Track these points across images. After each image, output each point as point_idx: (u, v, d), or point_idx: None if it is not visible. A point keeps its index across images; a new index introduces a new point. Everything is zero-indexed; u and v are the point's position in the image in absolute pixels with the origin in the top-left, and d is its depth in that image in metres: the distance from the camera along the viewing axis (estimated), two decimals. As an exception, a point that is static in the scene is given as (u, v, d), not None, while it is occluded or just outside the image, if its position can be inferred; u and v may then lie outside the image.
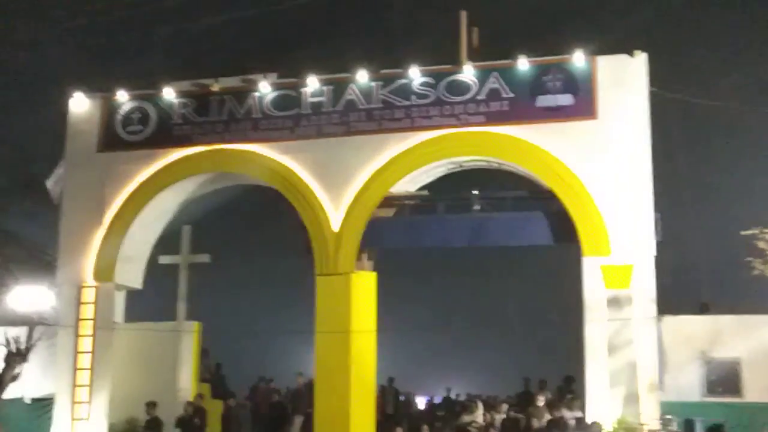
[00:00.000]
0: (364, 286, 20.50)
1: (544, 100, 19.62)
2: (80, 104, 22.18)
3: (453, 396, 25.71)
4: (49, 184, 22.34)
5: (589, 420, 16.81)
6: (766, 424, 16.12)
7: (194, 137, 21.50)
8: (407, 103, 20.42)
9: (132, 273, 22.17)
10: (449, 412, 22.28)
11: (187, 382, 21.37)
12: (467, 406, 21.67)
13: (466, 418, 19.43)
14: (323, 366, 20.06)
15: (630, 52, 19.32)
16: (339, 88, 20.87)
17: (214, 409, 20.98)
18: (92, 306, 21.11)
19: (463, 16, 20.53)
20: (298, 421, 21.30)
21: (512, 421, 19.22)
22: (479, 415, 20.29)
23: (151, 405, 19.13)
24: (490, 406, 22.16)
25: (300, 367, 23.82)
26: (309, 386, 21.90)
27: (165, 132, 21.69)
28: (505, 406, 20.37)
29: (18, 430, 19.06)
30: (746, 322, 19.22)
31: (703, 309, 20.20)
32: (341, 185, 20.35)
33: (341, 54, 22.01)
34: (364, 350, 20.15)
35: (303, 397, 22.05)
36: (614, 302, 18.35)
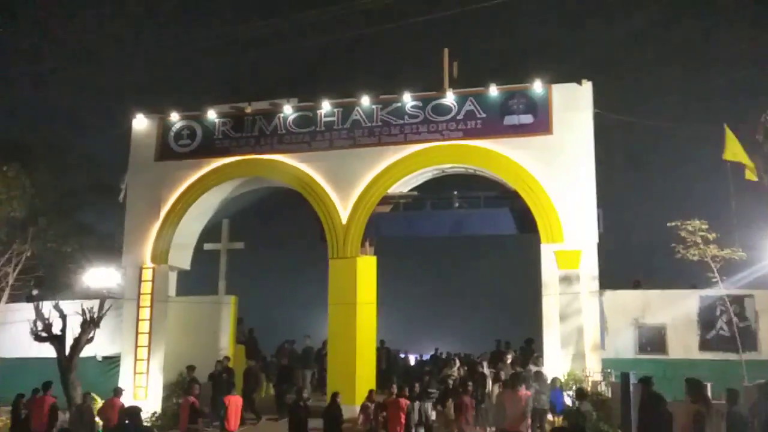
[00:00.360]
0: (367, 267, 20.46)
1: (510, 120, 19.59)
2: (141, 123, 22.18)
3: (439, 354, 25.67)
4: (121, 188, 22.19)
5: (546, 373, 16.66)
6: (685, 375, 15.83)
7: (231, 149, 21.41)
8: (401, 122, 20.35)
9: (182, 257, 22.14)
10: (435, 366, 22.15)
11: (226, 344, 21.29)
12: (447, 362, 21.58)
13: (446, 371, 19.34)
14: (335, 331, 20.05)
15: (579, 81, 19.33)
16: (346, 110, 20.78)
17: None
18: (150, 283, 21.15)
19: (446, 53, 20.45)
20: (308, 374, 21.35)
21: (482, 375, 19.07)
22: (455, 370, 20.16)
23: (190, 368, 18.87)
24: (469, 362, 22.13)
25: (318, 332, 23.70)
26: (314, 348, 22.38)
27: (208, 145, 21.61)
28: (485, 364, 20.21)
29: (92, 382, 18.84)
30: (670, 295, 19.28)
31: (635, 285, 20.21)
32: (348, 187, 20.31)
33: (349, 82, 21.93)
34: (366, 318, 20.13)
35: (311, 355, 22.16)
36: (565, 280, 18.44)
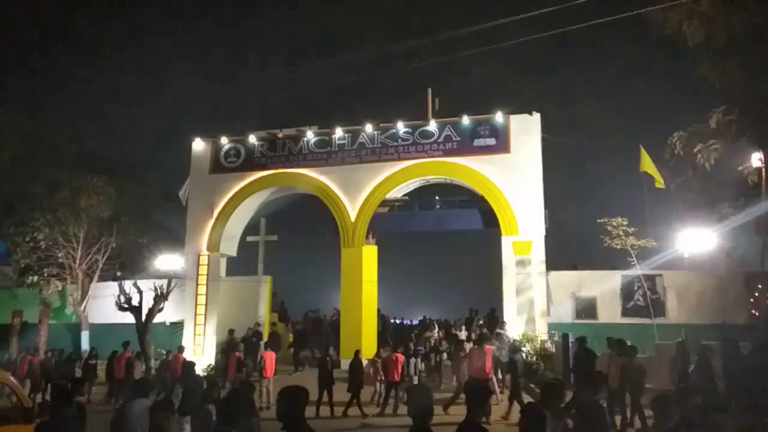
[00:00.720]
0: (370, 254, 20.49)
1: (478, 142, 19.57)
2: (199, 145, 22.15)
3: (427, 320, 25.64)
4: (181, 193, 22.35)
5: (507, 334, 16.72)
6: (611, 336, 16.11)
7: (267, 165, 21.36)
8: (396, 144, 20.33)
9: (230, 246, 22.07)
10: (422, 329, 22.34)
11: (263, 313, 21.51)
12: (429, 326, 21.77)
13: (427, 334, 19.54)
14: (346, 303, 20.08)
15: (530, 113, 19.37)
16: (354, 134, 20.75)
17: (279, 329, 21.13)
18: (206, 267, 21.09)
19: (429, 91, 20.46)
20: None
21: (455, 336, 19.27)
22: (435, 332, 20.43)
23: (230, 331, 19.09)
24: (446, 326, 22.33)
25: (332, 303, 23.79)
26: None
27: (249, 162, 21.57)
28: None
29: (162, 342, 19.04)
30: (599, 275, 19.25)
31: (573, 267, 20.21)
32: (356, 193, 20.30)
33: (356, 114, 22.08)
34: (369, 293, 20.17)
35: (320, 324, 22.54)
36: (520, 263, 18.42)
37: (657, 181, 17.82)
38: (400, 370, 14.21)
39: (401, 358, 14.48)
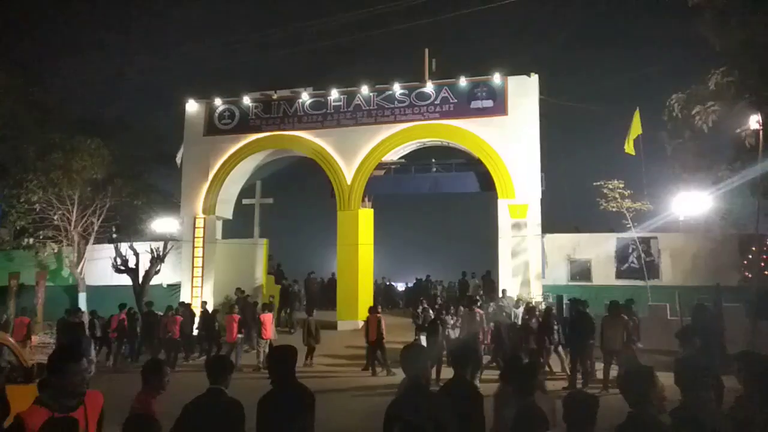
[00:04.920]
0: (366, 217, 20.59)
1: (475, 104, 19.44)
2: (192, 106, 21.93)
3: (423, 280, 25.67)
4: (177, 156, 22.31)
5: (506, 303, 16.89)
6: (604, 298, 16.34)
7: (262, 127, 21.25)
8: (392, 106, 20.20)
9: (226, 209, 22.07)
10: (418, 289, 22.62)
11: (260, 275, 21.55)
12: (432, 285, 21.86)
13: (433, 292, 19.66)
14: (342, 266, 20.24)
15: (528, 74, 19.21)
16: (350, 96, 20.59)
17: (275, 290, 21.24)
18: (202, 229, 21.15)
19: (426, 51, 20.24)
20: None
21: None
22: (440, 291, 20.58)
23: (239, 290, 19.25)
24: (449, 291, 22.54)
25: (328, 266, 23.93)
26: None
27: (244, 124, 21.43)
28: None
29: (159, 304, 19.15)
30: (594, 237, 19.37)
31: (575, 229, 20.15)
32: (352, 156, 20.24)
33: (352, 75, 21.75)
34: (366, 256, 20.35)
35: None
36: (516, 226, 18.52)
37: (627, 146, 17.79)
38: (380, 328, 14.44)
39: (379, 317, 14.79)
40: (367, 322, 15.04)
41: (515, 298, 17.06)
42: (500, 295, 17.51)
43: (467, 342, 11.56)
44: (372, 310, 15.29)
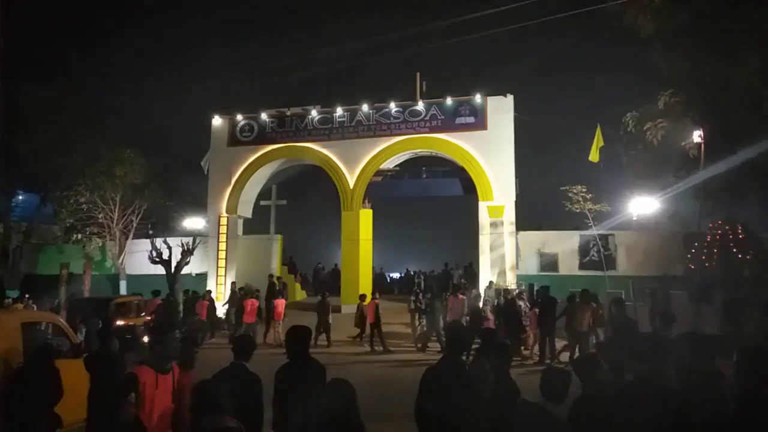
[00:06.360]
0: (366, 217, 20.56)
1: (460, 120, 19.38)
2: (217, 121, 21.79)
3: (411, 272, 25.99)
4: (202, 163, 22.27)
5: (481, 288, 17.03)
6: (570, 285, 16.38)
7: (277, 139, 21.12)
8: (388, 121, 20.13)
9: (246, 209, 21.95)
10: (406, 279, 22.52)
11: (275, 266, 21.57)
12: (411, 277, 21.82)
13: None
14: (346, 258, 20.22)
15: (505, 94, 19.15)
16: (353, 113, 20.50)
17: (290, 280, 21.24)
18: (225, 227, 21.04)
19: (418, 75, 20.30)
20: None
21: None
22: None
23: (272, 277, 18.86)
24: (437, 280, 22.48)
25: (333, 258, 23.78)
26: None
27: (262, 136, 21.30)
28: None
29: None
30: (561, 234, 19.42)
31: (538, 227, 20.10)
32: (354, 164, 20.18)
33: (354, 94, 21.65)
34: (365, 250, 20.36)
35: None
36: (494, 224, 18.49)
37: (591, 155, 17.83)
38: (375, 315, 14.49)
39: (377, 303, 14.85)
40: (360, 307, 15.07)
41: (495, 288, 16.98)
42: (487, 285, 17.42)
43: (455, 325, 11.57)
44: (364, 297, 15.34)
